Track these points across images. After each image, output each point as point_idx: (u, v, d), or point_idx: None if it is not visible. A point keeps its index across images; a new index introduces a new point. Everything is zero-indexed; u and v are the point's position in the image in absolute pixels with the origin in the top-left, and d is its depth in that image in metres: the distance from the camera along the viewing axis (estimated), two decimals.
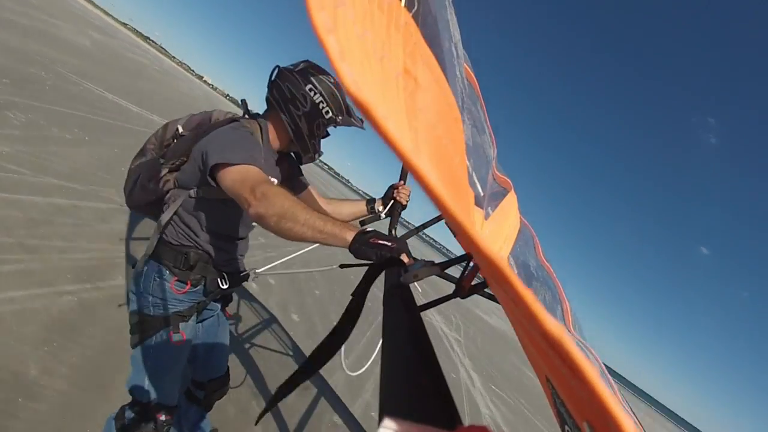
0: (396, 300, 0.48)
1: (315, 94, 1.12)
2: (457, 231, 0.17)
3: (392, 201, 1.36)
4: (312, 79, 1.13)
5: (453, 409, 0.26)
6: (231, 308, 3.14)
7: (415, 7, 0.30)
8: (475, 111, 0.69)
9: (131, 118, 6.39)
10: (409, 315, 0.43)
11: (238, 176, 0.96)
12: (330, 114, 1.15)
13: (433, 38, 0.33)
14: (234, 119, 1.21)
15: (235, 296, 3.28)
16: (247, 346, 2.78)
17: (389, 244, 0.78)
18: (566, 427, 0.29)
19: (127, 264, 2.64)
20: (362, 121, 1.24)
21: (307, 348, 3.21)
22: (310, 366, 0.67)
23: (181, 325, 1.19)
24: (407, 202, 1.37)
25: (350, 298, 0.63)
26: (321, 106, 1.13)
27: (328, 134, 1.25)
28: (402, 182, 1.39)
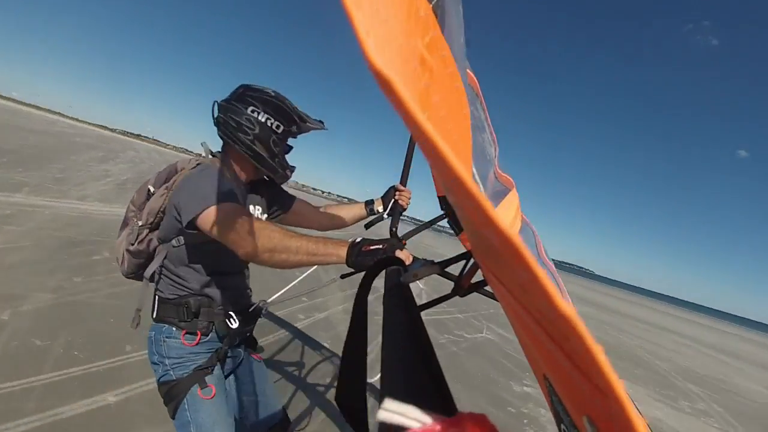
0: (396, 300, 0.48)
1: (258, 114, 1.09)
2: (467, 204, 0.17)
3: (393, 201, 1.36)
4: (251, 100, 1.10)
5: (453, 408, 0.26)
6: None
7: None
8: (475, 110, 0.70)
9: None
10: (409, 315, 0.42)
11: (219, 219, 0.94)
12: (282, 127, 1.12)
13: (449, 32, 0.33)
14: (199, 163, 1.19)
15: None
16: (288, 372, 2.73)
17: (381, 246, 0.80)
18: (562, 426, 0.29)
19: None
20: (322, 123, 1.20)
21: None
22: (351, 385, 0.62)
23: (207, 378, 1.14)
24: (407, 205, 1.36)
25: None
26: (269, 122, 1.10)
27: (290, 148, 1.21)
28: (403, 186, 1.38)
